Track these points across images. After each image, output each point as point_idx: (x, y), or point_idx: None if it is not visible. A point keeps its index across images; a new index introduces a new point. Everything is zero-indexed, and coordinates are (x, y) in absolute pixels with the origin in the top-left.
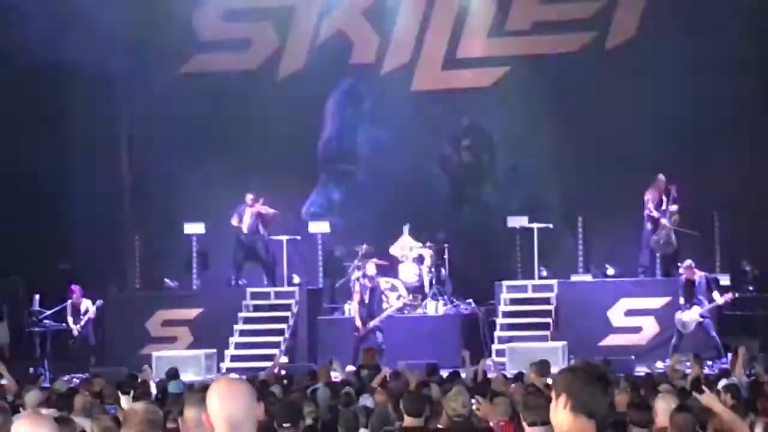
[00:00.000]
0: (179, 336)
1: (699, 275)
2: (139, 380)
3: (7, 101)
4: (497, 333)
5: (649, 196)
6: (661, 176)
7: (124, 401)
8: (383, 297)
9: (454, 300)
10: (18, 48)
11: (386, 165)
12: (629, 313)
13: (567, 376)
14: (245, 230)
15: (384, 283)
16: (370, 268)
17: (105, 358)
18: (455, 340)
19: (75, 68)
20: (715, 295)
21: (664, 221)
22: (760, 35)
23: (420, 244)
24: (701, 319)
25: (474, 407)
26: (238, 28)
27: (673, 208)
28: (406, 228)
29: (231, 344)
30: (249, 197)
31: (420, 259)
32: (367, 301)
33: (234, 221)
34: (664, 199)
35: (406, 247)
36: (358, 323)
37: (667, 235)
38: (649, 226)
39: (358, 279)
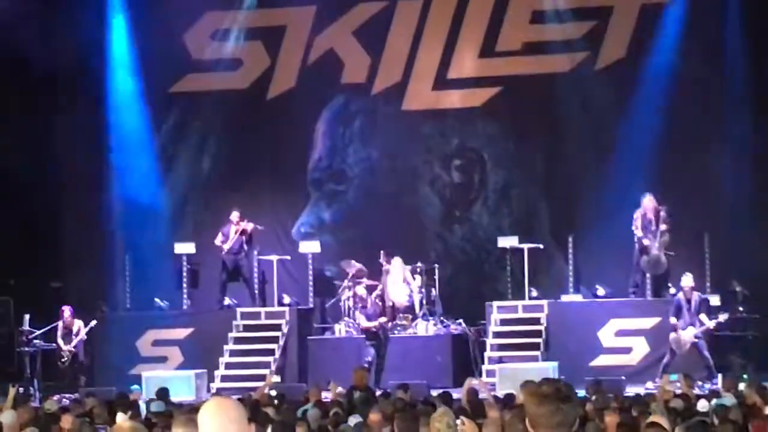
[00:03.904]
0: (170, 356)
1: (695, 295)
2: (130, 400)
3: None
4: (487, 353)
5: (636, 216)
6: (648, 195)
7: (120, 419)
8: (378, 308)
9: (444, 320)
10: (10, 67)
11: (377, 184)
12: (620, 333)
13: (524, 398)
14: (226, 248)
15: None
16: (360, 289)
17: (95, 377)
18: (445, 361)
19: (66, 88)
20: (703, 317)
21: (646, 242)
22: (752, 56)
23: (408, 267)
24: (695, 340)
25: (459, 428)
26: (229, 48)
27: (663, 227)
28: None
29: (221, 364)
30: (235, 215)
31: (409, 279)
32: (369, 319)
33: (217, 240)
34: (652, 218)
35: (399, 273)
36: (375, 322)
37: (656, 257)
38: (638, 246)
39: (348, 299)
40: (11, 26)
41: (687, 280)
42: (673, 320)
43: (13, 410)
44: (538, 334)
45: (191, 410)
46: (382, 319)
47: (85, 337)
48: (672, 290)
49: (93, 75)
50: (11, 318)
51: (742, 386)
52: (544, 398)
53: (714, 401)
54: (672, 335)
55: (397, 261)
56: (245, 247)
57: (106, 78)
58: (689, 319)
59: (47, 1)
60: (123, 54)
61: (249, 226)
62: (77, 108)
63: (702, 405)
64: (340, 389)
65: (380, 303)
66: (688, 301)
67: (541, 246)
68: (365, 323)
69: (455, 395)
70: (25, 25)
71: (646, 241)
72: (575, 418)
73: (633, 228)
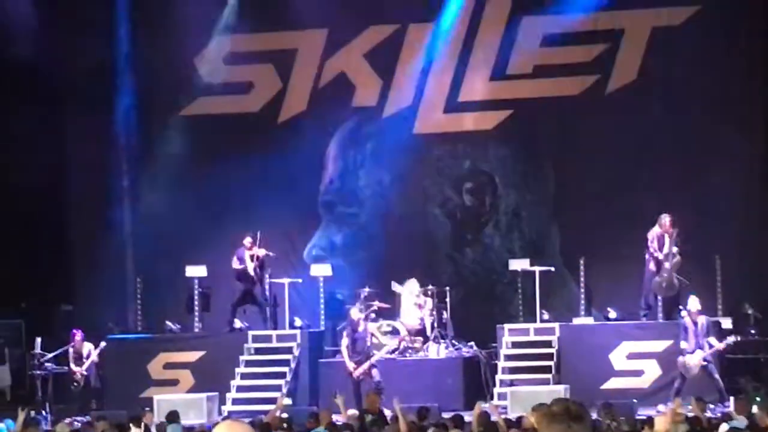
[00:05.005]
0: (181, 379)
1: (702, 318)
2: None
3: (7, 147)
4: (499, 376)
5: (651, 236)
6: (664, 216)
7: None
8: (369, 339)
9: (456, 343)
10: (21, 85)
11: (388, 207)
12: (631, 356)
13: (536, 419)
14: (251, 272)
15: (386, 326)
16: (354, 312)
17: (106, 400)
18: (457, 384)
19: (77, 112)
20: (713, 340)
21: (667, 264)
22: (762, 78)
23: (420, 290)
24: (704, 363)
25: None
26: (240, 71)
27: (675, 249)
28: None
29: (233, 387)
30: (247, 240)
31: (422, 303)
32: (354, 345)
33: (235, 264)
34: (667, 240)
35: (412, 294)
36: (350, 366)
37: (668, 279)
38: (651, 267)
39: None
40: (24, 40)
41: (694, 303)
42: (683, 344)
43: None
44: (549, 357)
45: None
46: (352, 366)
47: (97, 359)
48: (683, 313)
49: (104, 97)
50: (23, 341)
51: (754, 409)
52: (553, 417)
53: (726, 424)
54: (680, 359)
55: (411, 283)
56: (258, 272)
57: (118, 101)
58: (696, 342)
59: (60, 16)
60: (135, 77)
61: (261, 252)
62: (89, 131)
63: (723, 429)
64: (353, 412)
65: (369, 342)
66: (695, 324)
67: (553, 268)
68: (344, 354)
69: (467, 418)
70: (38, 40)
71: (667, 264)
72: None
73: (651, 250)
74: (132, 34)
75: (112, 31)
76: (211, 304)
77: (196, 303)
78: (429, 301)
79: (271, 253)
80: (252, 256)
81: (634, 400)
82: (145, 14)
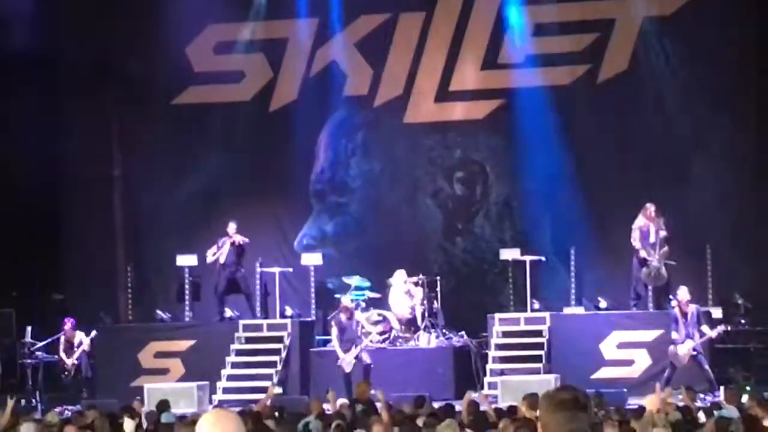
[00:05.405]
0: (171, 368)
1: (692, 308)
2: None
3: None
4: (489, 366)
5: (635, 226)
6: (649, 205)
7: (128, 424)
8: (358, 328)
9: (446, 332)
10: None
11: (379, 197)
12: (621, 345)
13: (540, 403)
14: (222, 261)
15: (376, 315)
16: (344, 301)
17: (97, 389)
18: (447, 373)
19: (68, 101)
20: (705, 328)
21: (643, 254)
22: (754, 67)
23: (410, 279)
24: (695, 353)
25: None
26: (231, 60)
27: (663, 234)
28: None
29: (223, 376)
30: (231, 227)
31: (412, 291)
32: (343, 334)
33: (209, 253)
34: (652, 229)
35: (401, 285)
36: (341, 355)
37: (657, 269)
38: (636, 258)
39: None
40: (18, 32)
41: (683, 293)
42: (674, 334)
43: (34, 423)
44: (540, 346)
45: (191, 422)
46: (341, 355)
47: (88, 348)
48: (673, 303)
49: (96, 86)
50: (13, 330)
51: (744, 398)
52: (560, 404)
53: (716, 413)
54: (670, 349)
55: (399, 273)
56: (232, 259)
57: (108, 90)
58: (686, 332)
59: (53, 7)
60: (125, 66)
61: (237, 238)
62: (80, 121)
63: (701, 418)
64: (343, 401)
65: (359, 332)
66: (684, 315)
67: (543, 258)
68: (336, 344)
69: (458, 407)
70: (32, 32)
71: (643, 253)
72: (588, 428)
73: (631, 240)
74: (124, 23)
75: (105, 22)
76: (201, 293)
77: (186, 292)
78: (420, 290)
79: (245, 239)
80: (232, 243)
81: (625, 390)
82: (137, 4)
